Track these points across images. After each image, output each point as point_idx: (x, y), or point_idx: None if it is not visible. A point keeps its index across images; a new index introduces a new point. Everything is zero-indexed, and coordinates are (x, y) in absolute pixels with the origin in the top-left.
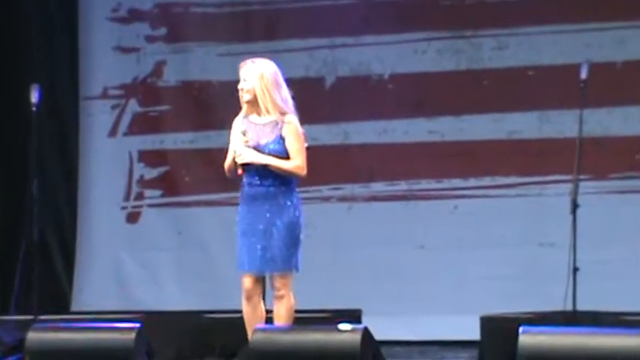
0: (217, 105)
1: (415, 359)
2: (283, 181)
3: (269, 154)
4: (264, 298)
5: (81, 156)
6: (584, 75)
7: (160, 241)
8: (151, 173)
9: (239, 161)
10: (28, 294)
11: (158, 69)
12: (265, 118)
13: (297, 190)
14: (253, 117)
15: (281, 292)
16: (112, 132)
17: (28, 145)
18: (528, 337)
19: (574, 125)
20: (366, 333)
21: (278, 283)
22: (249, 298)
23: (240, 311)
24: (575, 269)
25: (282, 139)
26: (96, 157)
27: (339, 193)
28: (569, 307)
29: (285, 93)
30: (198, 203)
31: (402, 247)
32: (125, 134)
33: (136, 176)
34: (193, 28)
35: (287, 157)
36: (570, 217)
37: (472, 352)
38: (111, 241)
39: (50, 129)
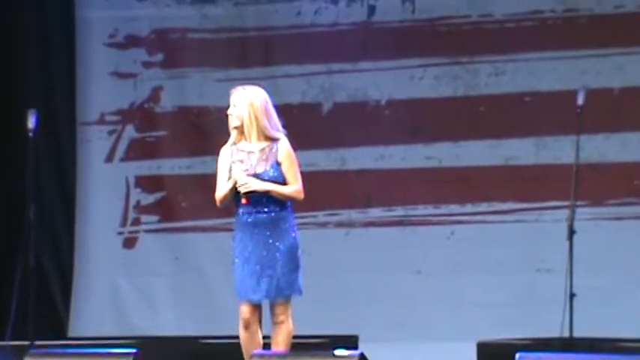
0: (214, 131)
1: None
2: (283, 206)
3: (270, 181)
4: (261, 326)
5: (78, 181)
6: (580, 101)
7: (156, 267)
8: (148, 199)
9: (243, 190)
10: (25, 319)
11: (155, 94)
12: (255, 145)
13: (294, 215)
14: (242, 144)
15: (281, 318)
16: (109, 157)
17: (25, 171)
18: None
19: (571, 151)
20: (363, 359)
21: (279, 309)
22: (247, 327)
23: (237, 337)
24: (572, 295)
25: (278, 164)
26: (93, 183)
27: (336, 218)
28: (566, 334)
29: (276, 121)
30: (195, 229)
31: (399, 272)
32: (122, 160)
33: (132, 202)
34: (190, 53)
35: (284, 181)
36: (567, 243)
37: None
38: (108, 267)
39: (47, 154)
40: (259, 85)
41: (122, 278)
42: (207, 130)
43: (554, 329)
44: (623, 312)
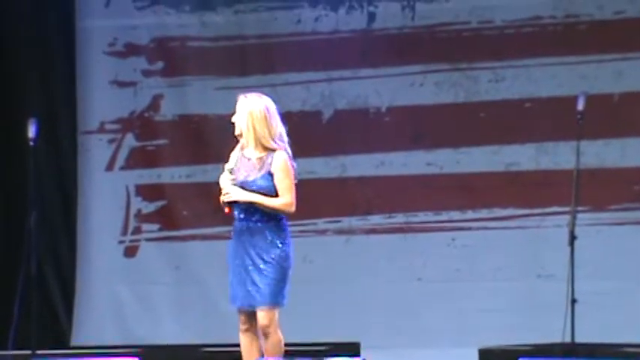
0: (214, 139)
1: None
2: (271, 216)
3: (256, 190)
4: None
5: (79, 190)
6: (581, 107)
7: (157, 275)
8: (149, 207)
9: (225, 199)
10: (26, 328)
11: (155, 103)
12: (253, 153)
13: (294, 223)
14: (247, 151)
15: (267, 330)
16: (109, 166)
17: (25, 179)
18: None
19: (571, 157)
20: None
21: (264, 319)
22: (245, 331)
23: (238, 345)
24: (574, 301)
25: (270, 175)
26: (93, 192)
27: (336, 226)
28: (567, 339)
29: (279, 129)
30: (195, 237)
31: (400, 279)
32: (122, 168)
33: (133, 210)
34: (190, 62)
35: (275, 192)
36: (568, 249)
37: None
38: (109, 275)
39: (48, 163)
40: (264, 93)
41: (123, 287)
42: (208, 139)
43: (556, 335)
44: (625, 317)
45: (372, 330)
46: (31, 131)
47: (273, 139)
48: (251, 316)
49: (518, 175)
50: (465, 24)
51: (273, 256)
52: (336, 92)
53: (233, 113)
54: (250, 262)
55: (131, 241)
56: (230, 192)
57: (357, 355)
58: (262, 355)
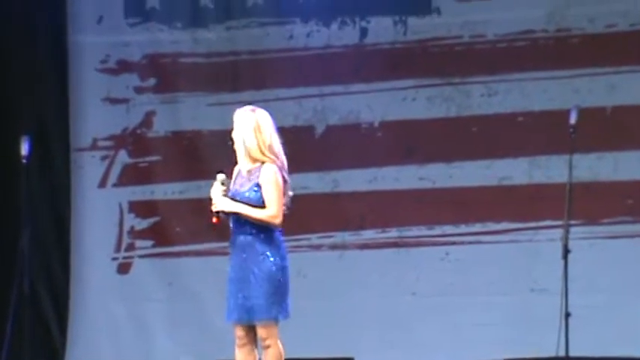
0: (207, 155)
1: None
2: (262, 228)
3: (245, 202)
4: (257, 346)
5: (72, 207)
6: (573, 120)
7: (151, 292)
8: (142, 224)
9: (212, 209)
10: (20, 346)
11: (148, 119)
12: (246, 165)
13: (287, 238)
14: (240, 163)
15: (267, 342)
16: (102, 183)
17: (18, 197)
18: None
19: (564, 171)
20: None
21: (262, 332)
22: (242, 346)
23: None
24: (568, 315)
25: (258, 186)
26: (86, 209)
27: (330, 241)
28: (561, 353)
29: (268, 143)
30: (189, 253)
31: (394, 294)
32: (115, 185)
33: (126, 227)
34: (182, 78)
35: (264, 204)
36: (562, 263)
37: None
38: (102, 292)
39: (40, 180)
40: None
41: (117, 304)
42: (201, 155)
43: (550, 349)
44: (619, 331)
45: (365, 345)
46: (24, 149)
47: (262, 152)
48: (247, 331)
49: (511, 189)
50: (457, 38)
51: (264, 269)
52: (329, 107)
53: (226, 129)
54: (244, 275)
55: (124, 257)
56: (216, 202)
57: None
58: None
